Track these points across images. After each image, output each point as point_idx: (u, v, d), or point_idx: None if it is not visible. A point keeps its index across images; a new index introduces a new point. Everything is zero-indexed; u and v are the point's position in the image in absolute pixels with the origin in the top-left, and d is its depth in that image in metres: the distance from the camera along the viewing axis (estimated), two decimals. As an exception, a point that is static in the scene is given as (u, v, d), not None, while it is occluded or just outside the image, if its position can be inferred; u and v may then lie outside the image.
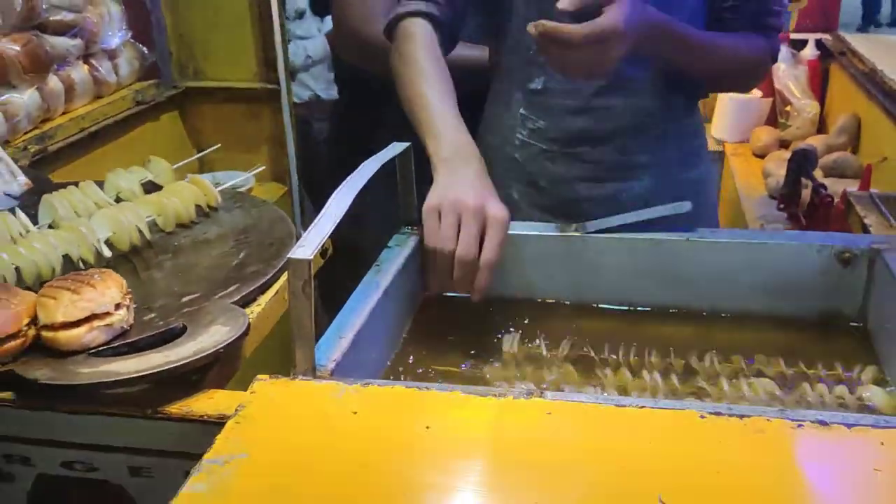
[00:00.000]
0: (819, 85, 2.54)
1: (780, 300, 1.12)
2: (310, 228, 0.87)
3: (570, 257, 1.18)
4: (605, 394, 0.97)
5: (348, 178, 1.01)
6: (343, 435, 0.72)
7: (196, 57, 2.12)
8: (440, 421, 0.73)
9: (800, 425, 0.70)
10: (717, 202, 1.46)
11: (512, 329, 1.13)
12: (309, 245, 0.83)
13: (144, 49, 2.00)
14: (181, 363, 0.82)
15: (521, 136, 1.34)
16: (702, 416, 0.72)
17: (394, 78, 1.25)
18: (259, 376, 0.80)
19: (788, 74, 2.48)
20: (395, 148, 1.16)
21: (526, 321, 1.15)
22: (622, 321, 1.14)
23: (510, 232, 1.18)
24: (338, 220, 0.90)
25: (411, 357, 1.07)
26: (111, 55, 1.88)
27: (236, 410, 0.75)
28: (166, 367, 0.81)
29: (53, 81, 1.72)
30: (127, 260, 1.18)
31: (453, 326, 1.15)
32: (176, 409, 0.82)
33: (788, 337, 1.08)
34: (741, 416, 0.72)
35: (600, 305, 1.18)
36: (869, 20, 8.30)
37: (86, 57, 1.82)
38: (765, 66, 1.31)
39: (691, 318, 1.14)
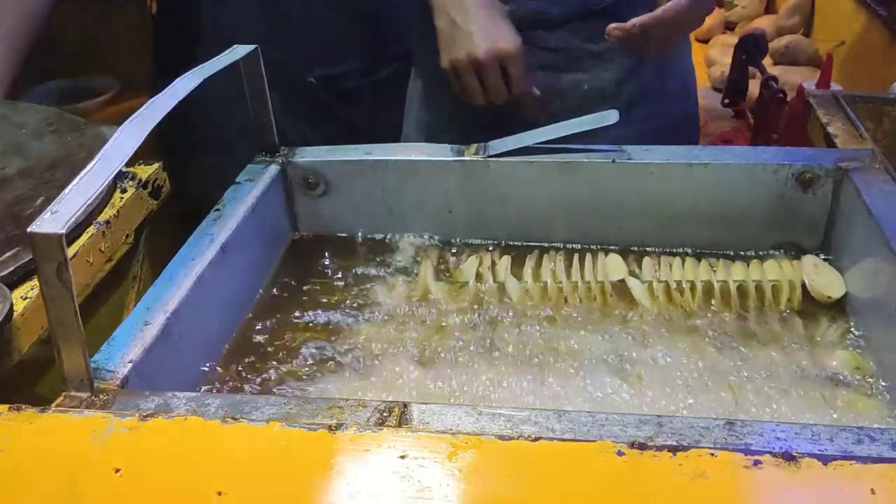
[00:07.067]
0: (768, -44, 2.26)
1: (726, 232, 0.92)
2: (72, 184, 0.61)
3: (470, 186, 0.95)
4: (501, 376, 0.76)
5: (150, 100, 0.74)
6: (92, 513, 0.48)
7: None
8: (241, 480, 0.50)
9: (756, 462, 0.49)
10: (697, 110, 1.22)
11: (398, 276, 0.91)
12: (63, 213, 0.57)
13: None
14: None
15: None
16: (619, 453, 0.50)
17: None
18: (-6, 409, 0.55)
19: (735, -55, 2.20)
20: (235, 52, 0.89)
21: (417, 266, 0.93)
22: (534, 262, 0.92)
23: (398, 158, 0.94)
24: (119, 167, 0.64)
25: (259, 328, 0.83)
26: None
27: (-58, 473, 0.51)
28: None
29: None
30: None
31: (323, 276, 0.93)
32: None
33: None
34: (673, 450, 0.50)
35: (508, 243, 0.97)
36: None
37: None
38: None
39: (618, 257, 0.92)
